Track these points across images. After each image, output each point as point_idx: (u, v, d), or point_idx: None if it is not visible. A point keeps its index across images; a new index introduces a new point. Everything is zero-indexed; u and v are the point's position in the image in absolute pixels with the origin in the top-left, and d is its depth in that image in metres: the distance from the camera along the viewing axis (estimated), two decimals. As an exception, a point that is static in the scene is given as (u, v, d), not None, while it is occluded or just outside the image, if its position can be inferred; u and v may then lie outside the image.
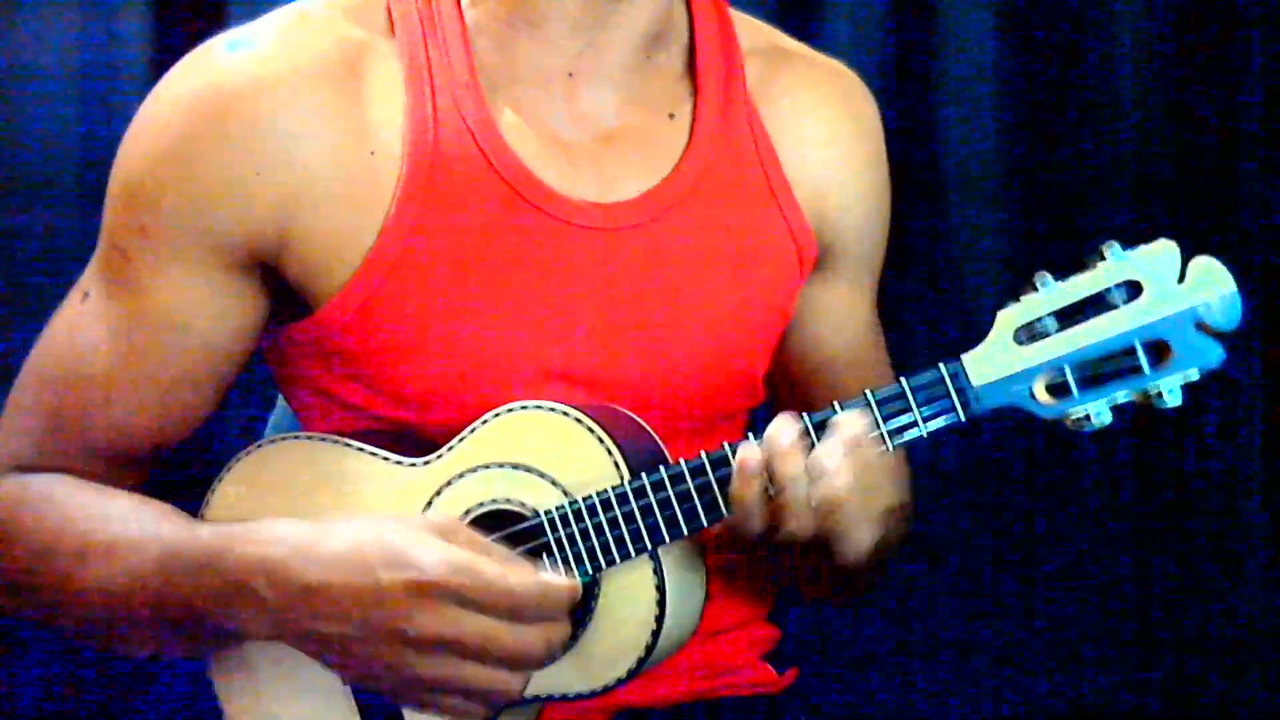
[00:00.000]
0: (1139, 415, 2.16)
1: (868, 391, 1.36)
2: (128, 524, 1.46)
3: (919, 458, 1.73)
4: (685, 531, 1.41)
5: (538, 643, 1.36)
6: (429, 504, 1.47)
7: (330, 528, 1.39)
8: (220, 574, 1.39)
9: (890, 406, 1.36)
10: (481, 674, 1.35)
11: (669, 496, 1.41)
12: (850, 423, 1.36)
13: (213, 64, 1.49)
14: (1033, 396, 1.33)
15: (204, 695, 1.55)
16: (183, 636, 1.46)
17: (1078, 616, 2.25)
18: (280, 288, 1.50)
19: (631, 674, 1.45)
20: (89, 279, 1.52)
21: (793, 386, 1.67)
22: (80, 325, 1.51)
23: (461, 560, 1.34)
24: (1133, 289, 1.30)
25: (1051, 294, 1.31)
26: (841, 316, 1.67)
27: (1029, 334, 1.32)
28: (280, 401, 1.69)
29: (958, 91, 2.21)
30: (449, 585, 1.33)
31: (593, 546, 1.43)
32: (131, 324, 1.49)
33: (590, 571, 1.44)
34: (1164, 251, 1.30)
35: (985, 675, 2.26)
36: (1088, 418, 1.32)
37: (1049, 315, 1.31)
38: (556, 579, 1.36)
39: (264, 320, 1.53)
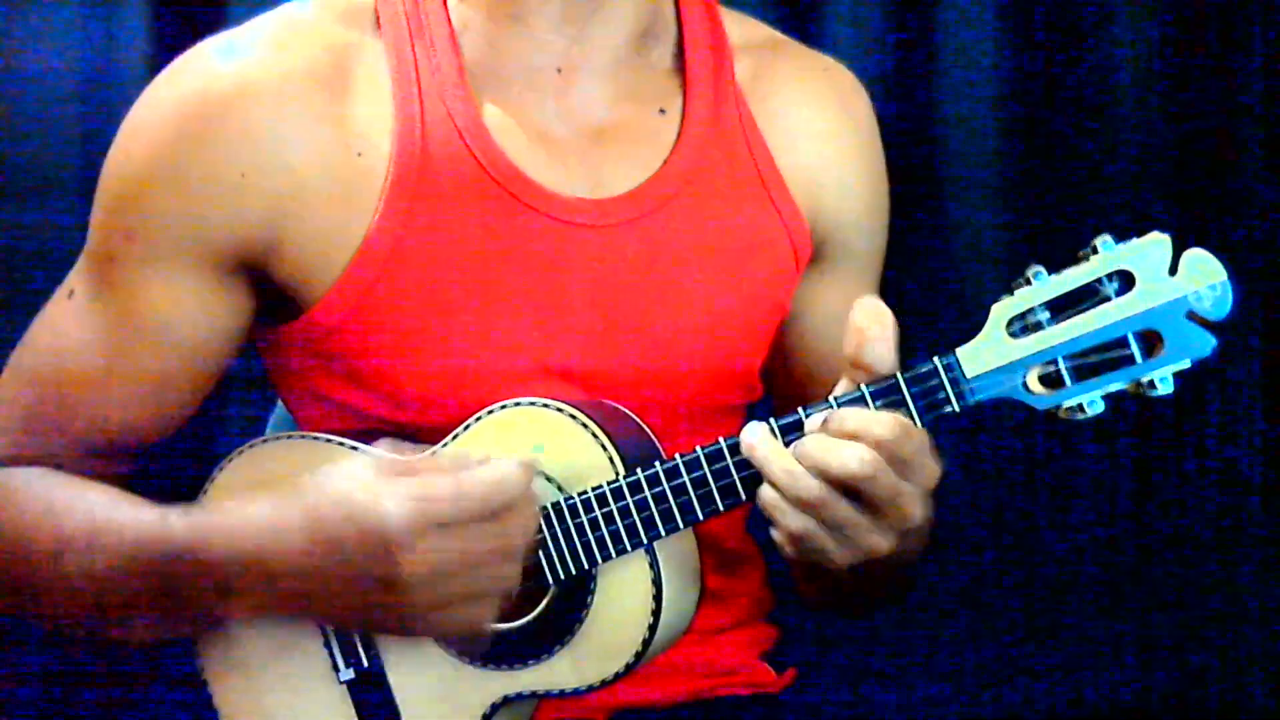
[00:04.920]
0: (1139, 417, 2.19)
1: (863, 385, 1.36)
2: (108, 512, 1.47)
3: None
4: (681, 526, 1.41)
5: (516, 529, 1.38)
6: (424, 501, 1.47)
7: (288, 503, 1.39)
8: (197, 568, 1.40)
9: (885, 399, 1.36)
10: (478, 580, 1.37)
11: (664, 491, 1.41)
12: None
13: (200, 69, 1.49)
14: (1026, 388, 1.33)
15: (204, 696, 1.55)
16: (164, 620, 1.47)
17: (1078, 616, 2.25)
18: (269, 289, 1.50)
19: (629, 668, 1.45)
20: (75, 277, 1.53)
21: (793, 382, 1.66)
22: (64, 323, 1.52)
23: (418, 492, 1.35)
24: (1125, 281, 1.30)
25: (1044, 286, 1.31)
26: (842, 311, 1.66)
27: (1022, 326, 1.32)
28: (280, 402, 1.69)
29: (958, 91, 2.21)
30: (416, 524, 1.35)
31: (588, 542, 1.43)
32: (115, 324, 1.50)
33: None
34: (1155, 243, 1.30)
35: (985, 675, 2.26)
36: (1081, 408, 1.32)
37: (1042, 307, 1.32)
38: (504, 465, 1.38)
39: (250, 322, 1.53)
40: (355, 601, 1.38)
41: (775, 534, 1.38)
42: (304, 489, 1.40)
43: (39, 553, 1.48)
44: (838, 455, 1.32)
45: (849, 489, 1.33)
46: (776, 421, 1.37)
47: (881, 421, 1.33)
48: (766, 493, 1.35)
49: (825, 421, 1.35)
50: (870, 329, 1.36)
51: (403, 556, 1.35)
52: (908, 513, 1.35)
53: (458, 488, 1.36)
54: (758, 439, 1.37)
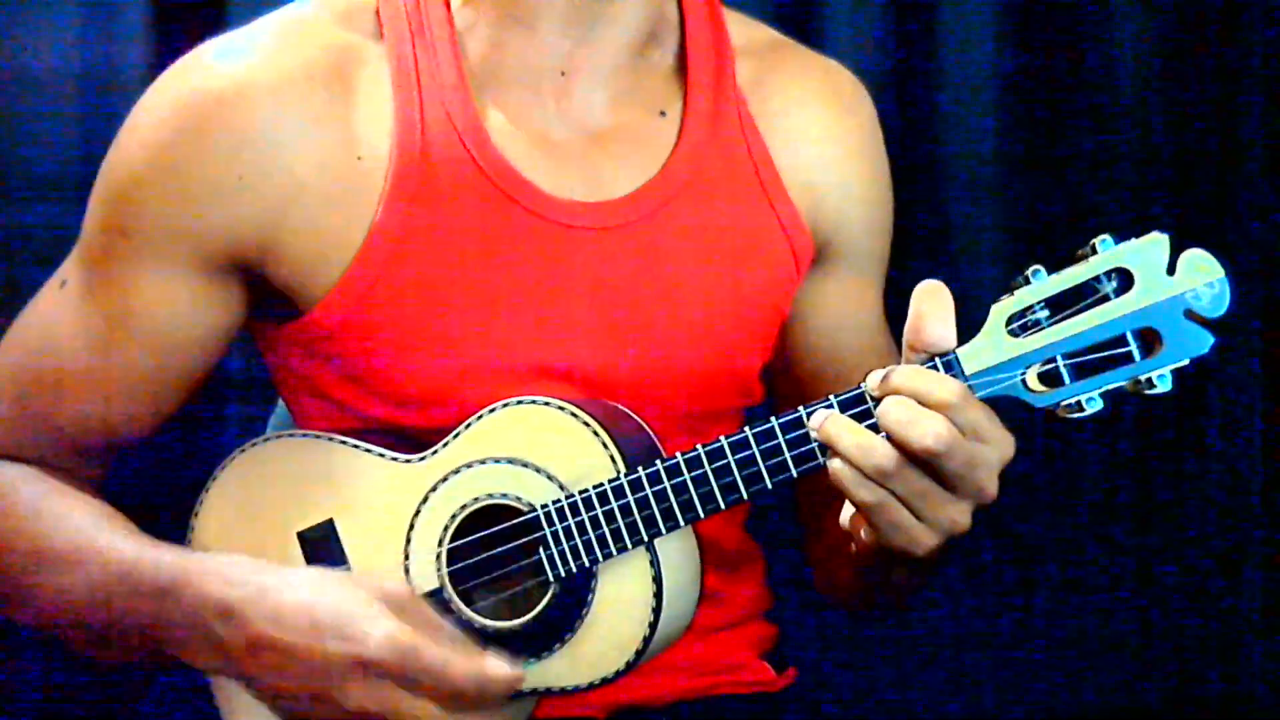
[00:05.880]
0: (1139, 417, 2.19)
1: (863, 383, 1.36)
2: (93, 536, 1.47)
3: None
4: (682, 523, 1.42)
5: None
6: (424, 499, 1.48)
7: (290, 577, 1.39)
8: (178, 605, 1.39)
9: None
10: None
11: (665, 489, 1.41)
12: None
13: (201, 70, 1.50)
14: (1026, 386, 1.33)
15: (204, 696, 1.55)
16: (133, 651, 1.46)
17: (1078, 616, 2.24)
18: (269, 290, 1.51)
19: (629, 666, 1.45)
20: (68, 269, 1.53)
21: (798, 384, 1.66)
22: (56, 315, 1.52)
23: (405, 641, 1.33)
24: (1124, 280, 1.31)
25: (1043, 285, 1.32)
26: (845, 312, 1.66)
27: (1022, 325, 1.33)
28: (281, 401, 1.70)
29: (958, 91, 2.21)
30: (388, 665, 1.33)
31: (589, 540, 1.43)
32: (106, 320, 1.50)
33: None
34: (1154, 243, 1.31)
35: (985, 675, 2.26)
36: (1079, 405, 1.32)
37: (1041, 306, 1.32)
38: (497, 670, 1.35)
39: (242, 321, 1.53)
40: (297, 698, 1.36)
41: (845, 514, 1.39)
42: (309, 573, 1.40)
43: (18, 559, 1.49)
44: (917, 426, 1.31)
45: (923, 461, 1.32)
46: (838, 397, 1.36)
47: (952, 388, 1.32)
48: (836, 463, 1.34)
49: (884, 380, 1.33)
50: (927, 308, 1.35)
51: (351, 685, 1.34)
52: (983, 484, 1.34)
53: (444, 667, 1.34)
54: (823, 414, 1.35)
